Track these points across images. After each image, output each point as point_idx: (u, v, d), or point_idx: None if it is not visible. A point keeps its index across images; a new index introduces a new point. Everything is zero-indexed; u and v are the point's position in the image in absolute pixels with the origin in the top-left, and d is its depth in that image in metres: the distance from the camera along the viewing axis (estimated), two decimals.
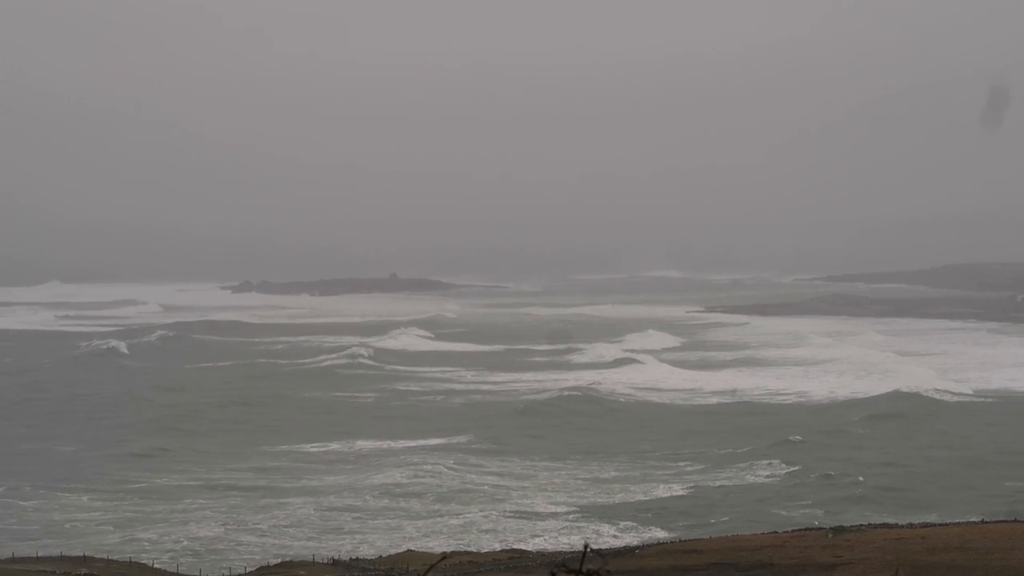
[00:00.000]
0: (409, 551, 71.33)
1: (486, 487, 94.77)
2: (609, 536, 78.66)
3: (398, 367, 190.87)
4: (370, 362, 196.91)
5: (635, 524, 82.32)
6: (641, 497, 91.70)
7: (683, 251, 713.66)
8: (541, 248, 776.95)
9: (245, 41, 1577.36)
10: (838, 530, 61.48)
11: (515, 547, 72.69)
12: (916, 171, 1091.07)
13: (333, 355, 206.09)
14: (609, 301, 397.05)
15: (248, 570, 65.50)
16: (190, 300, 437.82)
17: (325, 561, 66.77)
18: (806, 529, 66.18)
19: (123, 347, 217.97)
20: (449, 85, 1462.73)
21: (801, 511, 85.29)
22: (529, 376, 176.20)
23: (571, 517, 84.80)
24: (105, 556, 67.93)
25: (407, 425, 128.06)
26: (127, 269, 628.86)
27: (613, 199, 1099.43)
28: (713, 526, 79.54)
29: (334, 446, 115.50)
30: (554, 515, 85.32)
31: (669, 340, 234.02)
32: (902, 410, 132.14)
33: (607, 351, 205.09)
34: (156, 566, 67.31)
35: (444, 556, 59.73)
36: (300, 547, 75.73)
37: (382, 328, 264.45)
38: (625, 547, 66.87)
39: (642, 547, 65.13)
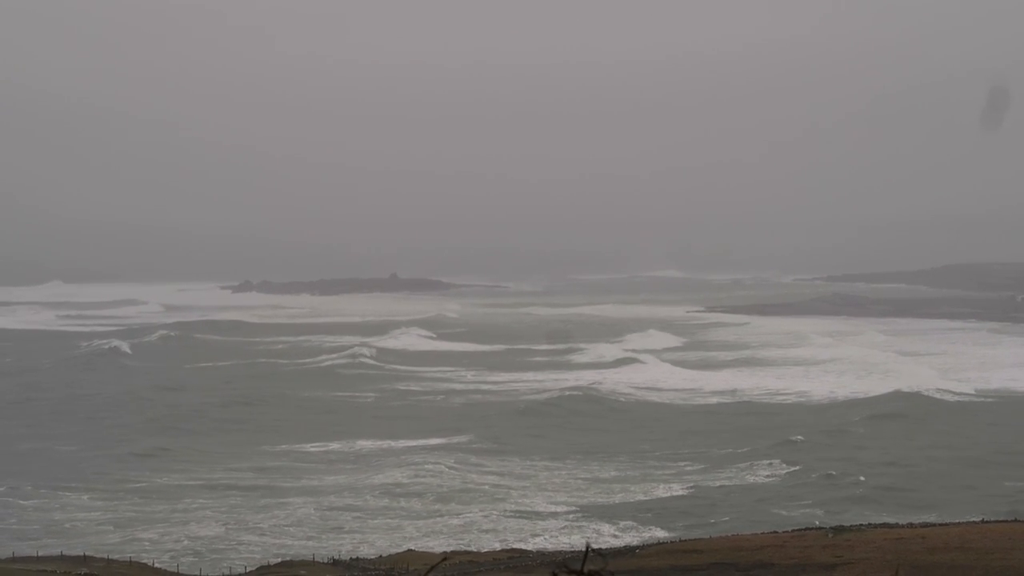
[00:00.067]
0: (409, 551, 71.33)
1: (486, 487, 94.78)
2: (609, 536, 78.66)
3: (399, 367, 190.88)
4: (371, 362, 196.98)
5: (635, 524, 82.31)
6: (641, 497, 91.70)
7: (683, 251, 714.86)
8: (541, 248, 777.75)
9: (245, 41, 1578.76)
10: (838, 530, 61.47)
11: (515, 547, 72.68)
12: (916, 171, 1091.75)
13: (334, 355, 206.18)
14: (609, 301, 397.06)
15: (248, 570, 65.50)
16: (191, 300, 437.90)
17: (325, 561, 66.75)
18: (806, 529, 66.14)
19: (125, 347, 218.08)
20: (449, 85, 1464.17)
21: (801, 511, 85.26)
22: (530, 376, 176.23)
23: (571, 517, 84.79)
24: (105, 556, 67.91)
25: (407, 425, 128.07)
26: (128, 269, 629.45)
27: (613, 199, 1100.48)
28: (713, 526, 79.50)
29: (335, 446, 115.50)
30: (554, 515, 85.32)
31: (670, 340, 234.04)
32: (903, 410, 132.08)
33: (608, 351, 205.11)
34: (156, 566, 67.29)
35: (445, 557, 59.74)
36: (300, 547, 75.73)
37: (383, 328, 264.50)
38: (625, 547, 66.86)
39: (642, 547, 65.11)
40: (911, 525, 64.37)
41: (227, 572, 64.92)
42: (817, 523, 74.22)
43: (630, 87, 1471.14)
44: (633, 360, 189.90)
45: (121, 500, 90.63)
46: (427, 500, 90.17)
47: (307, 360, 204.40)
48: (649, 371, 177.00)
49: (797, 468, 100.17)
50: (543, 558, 63.32)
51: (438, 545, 75.65)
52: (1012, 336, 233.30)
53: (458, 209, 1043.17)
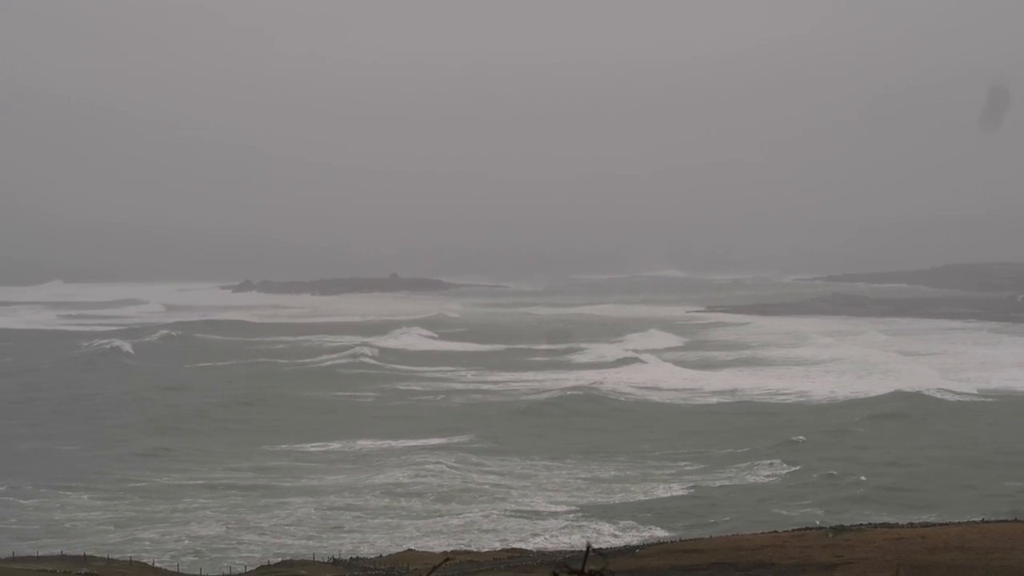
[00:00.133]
0: (409, 550, 71.33)
1: (487, 486, 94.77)
2: (609, 535, 78.66)
3: (399, 366, 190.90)
4: (372, 361, 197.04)
5: (635, 524, 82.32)
6: (641, 497, 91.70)
7: (684, 251, 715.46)
8: (542, 248, 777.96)
9: (245, 41, 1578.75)
10: (838, 530, 61.46)
11: (516, 547, 72.68)
12: (916, 171, 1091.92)
13: (334, 355, 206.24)
14: (610, 301, 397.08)
15: (248, 569, 65.53)
16: (191, 300, 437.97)
17: (325, 560, 66.77)
18: (806, 529, 66.13)
19: (126, 346, 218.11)
20: (449, 85, 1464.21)
21: (802, 511, 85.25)
22: (530, 376, 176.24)
23: (572, 517, 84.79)
24: (106, 555, 67.95)
25: (408, 425, 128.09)
26: (128, 269, 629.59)
27: (614, 199, 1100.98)
28: (714, 526, 79.45)
29: (335, 446, 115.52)
30: (554, 515, 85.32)
31: (670, 340, 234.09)
32: (903, 410, 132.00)
33: (608, 351, 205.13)
34: (157, 565, 67.32)
35: (447, 557, 59.66)
36: (300, 546, 75.75)
37: (384, 327, 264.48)
38: (625, 546, 66.87)
39: (642, 547, 65.11)
40: (911, 525, 64.37)
41: (227, 572, 64.93)
42: (818, 523, 74.22)
43: (630, 87, 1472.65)
44: (634, 360, 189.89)
45: (121, 500, 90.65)
46: (427, 500, 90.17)
47: (308, 360, 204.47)
48: (650, 371, 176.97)
49: (797, 468, 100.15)
50: (543, 558, 63.32)
51: (438, 545, 75.65)
52: (1012, 336, 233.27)
53: (458, 209, 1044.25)
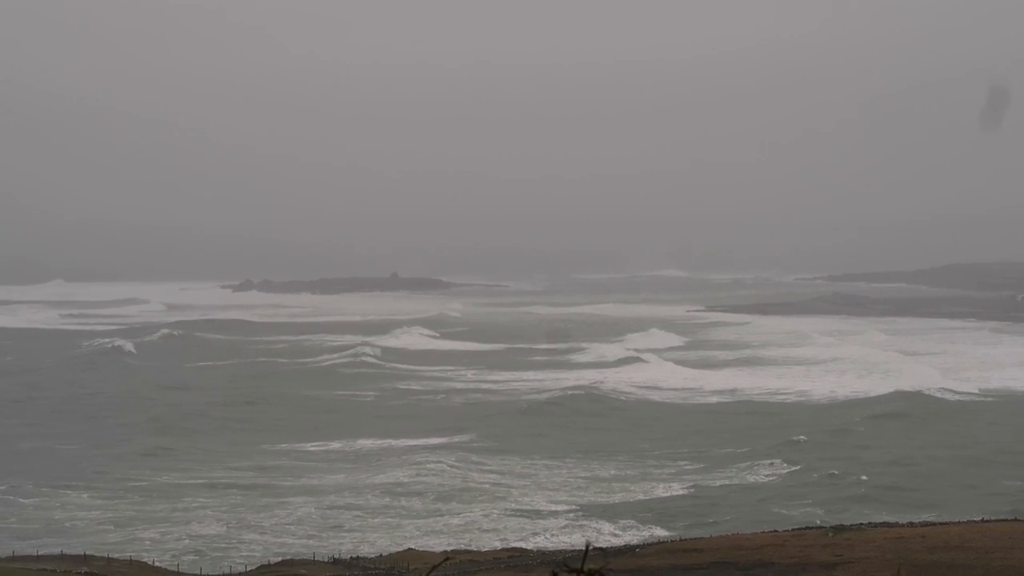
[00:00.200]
0: (410, 550, 71.35)
1: (487, 486, 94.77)
2: (609, 535, 78.66)
3: (399, 365, 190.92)
4: (372, 360, 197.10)
5: (635, 523, 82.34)
6: (642, 496, 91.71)
7: (684, 250, 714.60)
8: (542, 247, 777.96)
9: (246, 41, 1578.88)
10: (838, 529, 61.48)
11: (516, 546, 72.71)
12: (916, 171, 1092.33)
13: (335, 354, 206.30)
14: (610, 300, 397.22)
15: (249, 568, 65.57)
16: (192, 299, 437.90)
17: (326, 560, 66.80)
18: (806, 528, 66.18)
19: (128, 346, 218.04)
20: (450, 85, 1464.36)
21: (802, 510, 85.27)
22: (531, 375, 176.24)
23: (572, 516, 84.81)
24: (106, 555, 67.97)
25: (408, 424, 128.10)
26: (129, 268, 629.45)
27: (614, 198, 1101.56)
28: (714, 525, 79.47)
29: (335, 445, 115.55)
30: (555, 514, 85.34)
31: (671, 339, 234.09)
32: (904, 409, 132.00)
33: (609, 350, 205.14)
34: (157, 564, 67.33)
35: (447, 557, 59.71)
36: (301, 546, 75.78)
37: (385, 327, 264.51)
38: (625, 546, 66.90)
39: (642, 546, 65.13)
40: (911, 524, 64.40)
41: (228, 571, 64.96)
42: (818, 522, 74.26)
43: (630, 87, 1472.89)
44: (634, 359, 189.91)
45: (122, 499, 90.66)
46: (428, 499, 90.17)
47: (308, 359, 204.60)
48: (650, 370, 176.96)
49: (798, 468, 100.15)
50: (543, 557, 63.34)
51: (438, 544, 75.68)
52: (1013, 336, 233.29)
53: (458, 209, 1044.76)
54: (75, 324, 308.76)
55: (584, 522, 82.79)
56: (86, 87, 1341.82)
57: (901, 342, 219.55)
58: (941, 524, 64.38)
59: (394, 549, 72.81)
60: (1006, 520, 64.29)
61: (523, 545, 73.49)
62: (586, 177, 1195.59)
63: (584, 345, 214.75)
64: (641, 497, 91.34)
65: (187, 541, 77.65)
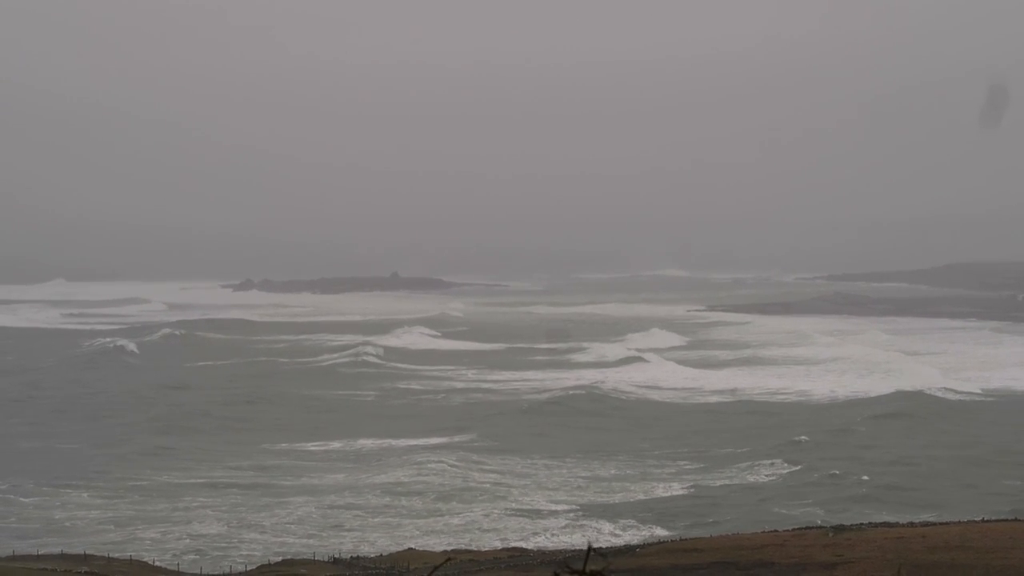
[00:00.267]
0: (410, 549, 71.32)
1: (487, 485, 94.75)
2: (609, 534, 78.66)
3: (400, 365, 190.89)
4: (374, 360, 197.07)
5: (636, 523, 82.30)
6: (642, 496, 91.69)
7: (685, 250, 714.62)
8: (542, 247, 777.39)
9: (246, 41, 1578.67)
10: (839, 529, 61.44)
11: (516, 546, 72.68)
12: (916, 171, 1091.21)
13: (335, 354, 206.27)
14: (611, 300, 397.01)
15: (249, 568, 65.54)
16: (193, 298, 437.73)
17: (326, 559, 66.75)
18: (807, 528, 66.13)
19: (129, 345, 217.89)
20: (450, 85, 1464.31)
21: (803, 510, 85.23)
22: (531, 375, 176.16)
23: (572, 516, 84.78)
24: (106, 554, 67.96)
25: (409, 424, 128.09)
26: (130, 267, 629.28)
27: (615, 198, 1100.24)
28: (714, 525, 79.44)
29: (336, 444, 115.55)
30: (555, 514, 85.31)
31: (672, 339, 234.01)
32: (905, 409, 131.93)
33: (610, 350, 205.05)
34: (157, 564, 67.33)
35: (448, 557, 59.65)
36: (301, 545, 75.78)
37: (385, 326, 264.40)
38: (626, 545, 66.86)
39: (643, 546, 65.08)
40: (912, 524, 64.35)
41: (228, 570, 64.92)
42: (818, 522, 74.21)
43: (630, 87, 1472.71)
44: (635, 359, 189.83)
45: (122, 498, 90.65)
46: (428, 499, 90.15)
47: (309, 359, 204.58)
48: (651, 370, 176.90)
49: (799, 467, 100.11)
50: (544, 557, 63.30)
51: (439, 544, 75.65)
52: (1013, 335, 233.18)
53: (459, 208, 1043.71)
54: (76, 323, 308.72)
55: (584, 522, 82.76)
56: (86, 87, 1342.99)
57: (902, 342, 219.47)
58: (942, 524, 64.34)
59: (394, 549, 72.79)
60: (1006, 520, 64.22)
61: (523, 545, 73.45)
62: (587, 176, 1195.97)
63: (585, 345, 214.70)
64: (641, 497, 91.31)
65: (187, 541, 77.65)
